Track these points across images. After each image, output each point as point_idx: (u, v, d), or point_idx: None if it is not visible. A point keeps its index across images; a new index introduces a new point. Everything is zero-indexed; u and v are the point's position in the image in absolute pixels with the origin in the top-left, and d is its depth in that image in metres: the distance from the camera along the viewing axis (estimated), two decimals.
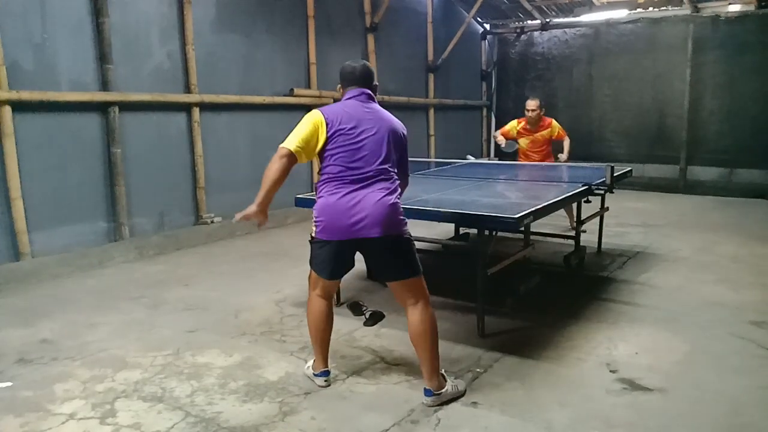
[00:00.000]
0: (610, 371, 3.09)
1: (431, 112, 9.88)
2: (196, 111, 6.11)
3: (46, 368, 3.20)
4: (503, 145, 6.35)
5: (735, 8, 9.08)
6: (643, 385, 2.93)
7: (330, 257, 2.76)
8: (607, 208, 5.63)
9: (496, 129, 11.57)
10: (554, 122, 6.28)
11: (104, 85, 5.30)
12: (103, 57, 5.26)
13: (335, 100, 7.91)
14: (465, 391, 2.85)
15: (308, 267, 2.96)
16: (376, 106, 2.85)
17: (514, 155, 6.71)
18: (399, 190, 2.79)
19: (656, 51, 9.48)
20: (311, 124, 2.71)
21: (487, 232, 3.57)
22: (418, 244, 4.76)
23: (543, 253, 5.47)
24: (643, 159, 9.60)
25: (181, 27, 5.94)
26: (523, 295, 4.15)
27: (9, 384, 3.01)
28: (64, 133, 5.10)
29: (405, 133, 2.89)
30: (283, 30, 7.08)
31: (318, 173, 2.79)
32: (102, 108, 5.31)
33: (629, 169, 5.60)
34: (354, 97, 2.83)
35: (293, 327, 3.76)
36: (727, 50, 8.89)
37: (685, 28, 9.17)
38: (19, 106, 4.71)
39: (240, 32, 6.56)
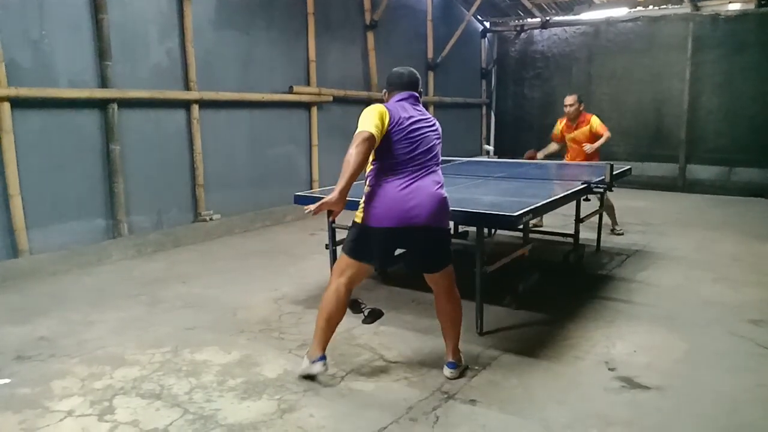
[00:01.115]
0: (609, 369, 3.09)
1: (430, 110, 9.86)
2: (195, 108, 6.10)
3: (44, 365, 3.19)
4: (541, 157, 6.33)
5: (735, 7, 9.09)
6: (641, 383, 2.94)
7: (377, 244, 2.85)
8: (611, 206, 5.63)
9: (496, 127, 11.65)
10: (594, 118, 6.08)
11: (103, 82, 5.29)
12: (102, 54, 5.25)
13: (334, 98, 7.97)
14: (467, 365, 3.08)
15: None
16: (423, 108, 3.01)
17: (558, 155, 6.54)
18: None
19: (656, 49, 9.48)
20: (378, 112, 2.80)
21: (486, 230, 3.57)
22: None
23: (542, 251, 5.48)
24: (642, 157, 9.60)
25: (181, 24, 5.92)
26: (522, 293, 4.15)
27: (7, 381, 3.01)
28: (62, 130, 5.09)
29: (440, 130, 3.03)
30: (283, 27, 7.07)
31: (371, 163, 2.88)
32: (101, 105, 5.31)
33: (628, 167, 5.60)
34: (405, 99, 2.95)
35: (291, 325, 3.76)
36: (726, 49, 8.89)
37: (685, 27, 9.17)
38: (17, 103, 4.70)
39: (239, 29, 6.55)
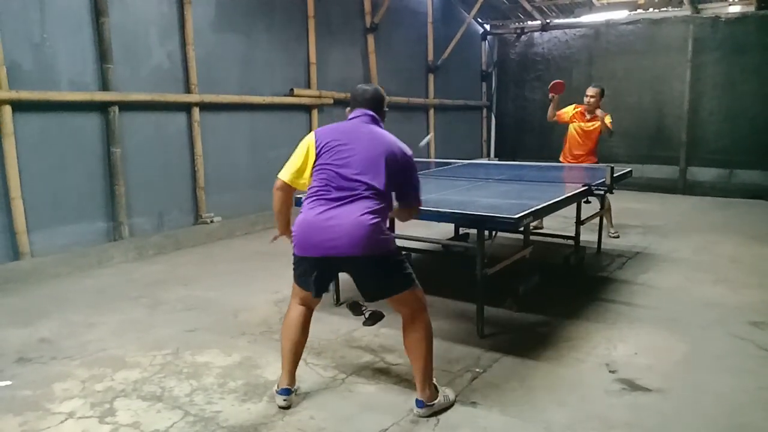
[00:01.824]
0: (610, 371, 3.09)
1: (431, 112, 9.89)
2: (195, 111, 6.11)
3: (45, 368, 3.20)
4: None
5: (735, 9, 9.10)
6: (642, 385, 2.93)
7: (308, 273, 2.67)
8: (609, 207, 5.63)
9: (496, 129, 11.65)
10: (607, 115, 6.02)
11: (104, 85, 5.30)
12: (102, 57, 5.26)
13: (335, 100, 7.98)
14: (455, 401, 2.78)
15: None
16: (378, 129, 2.77)
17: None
18: (385, 212, 2.65)
19: (656, 52, 9.48)
20: (304, 147, 2.73)
21: (486, 233, 3.57)
22: (417, 245, 4.81)
23: (542, 254, 5.47)
24: (643, 159, 9.60)
25: (181, 27, 5.94)
26: (523, 295, 4.15)
27: (8, 383, 3.01)
28: (63, 132, 5.10)
29: (407, 157, 2.74)
30: (283, 30, 7.08)
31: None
32: (102, 108, 5.31)
33: (629, 169, 5.61)
34: (356, 117, 2.80)
35: None
36: (726, 51, 8.90)
37: (685, 29, 9.18)
38: (18, 106, 4.71)
39: (240, 32, 6.57)
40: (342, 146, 2.65)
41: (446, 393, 2.78)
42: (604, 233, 5.78)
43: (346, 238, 2.51)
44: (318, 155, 2.67)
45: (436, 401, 2.69)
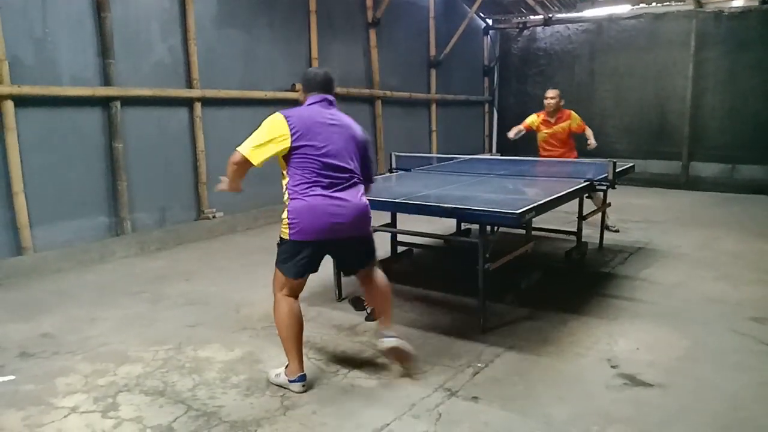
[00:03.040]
0: (611, 367, 3.09)
1: (433, 107, 9.87)
2: (197, 106, 6.11)
3: (47, 362, 3.21)
4: (512, 136, 6.25)
5: (738, 4, 9.05)
6: (643, 380, 2.94)
7: (304, 258, 2.77)
8: (609, 204, 5.63)
9: (499, 124, 11.63)
10: (573, 114, 6.17)
11: (106, 80, 5.30)
12: (104, 52, 5.26)
13: (337, 96, 7.91)
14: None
15: None
16: (338, 111, 2.93)
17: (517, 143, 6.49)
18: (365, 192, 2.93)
19: (658, 46, 9.45)
20: (275, 131, 2.73)
21: (488, 228, 3.57)
22: (419, 240, 4.81)
23: (544, 249, 5.47)
24: (645, 155, 9.58)
25: (183, 22, 5.93)
26: (525, 290, 4.15)
27: (11, 378, 3.03)
28: (65, 127, 5.10)
29: (366, 137, 2.98)
30: (285, 25, 7.06)
31: (285, 174, 2.81)
32: (103, 103, 5.32)
33: (631, 165, 5.59)
34: (317, 102, 2.89)
35: None
36: (729, 46, 8.86)
37: (688, 24, 9.14)
38: (20, 101, 4.72)
39: (241, 27, 6.55)
40: (318, 135, 2.75)
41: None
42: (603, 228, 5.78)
43: (352, 220, 2.76)
44: (298, 146, 2.72)
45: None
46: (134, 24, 5.53)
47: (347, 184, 2.79)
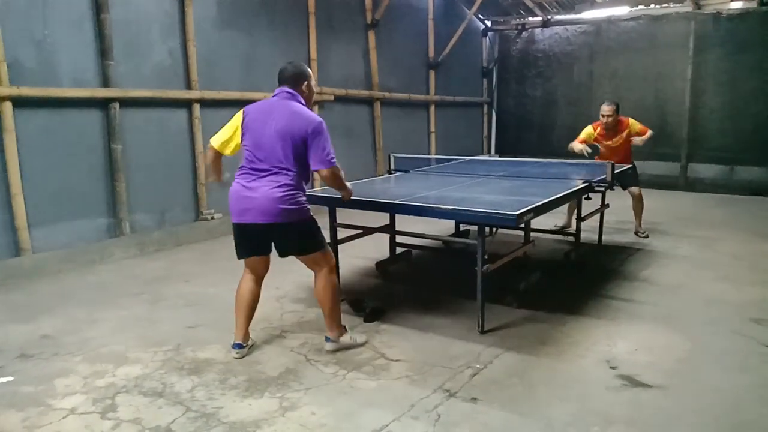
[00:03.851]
0: (610, 368, 3.09)
1: (432, 109, 9.88)
2: (196, 107, 6.11)
3: (47, 363, 3.20)
4: (584, 153, 5.84)
5: (736, 5, 9.07)
6: (642, 381, 2.94)
7: (236, 237, 3.16)
8: (608, 205, 5.63)
9: (497, 126, 11.64)
10: (632, 121, 5.90)
11: (105, 81, 5.30)
12: (104, 53, 5.26)
13: (336, 97, 7.98)
14: (365, 342, 3.36)
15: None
16: (291, 104, 3.08)
17: (594, 151, 6.11)
18: (295, 183, 3.02)
19: (657, 48, 9.46)
20: (234, 122, 3.15)
21: (487, 229, 3.57)
22: (417, 241, 4.82)
23: (543, 250, 5.47)
24: (644, 156, 9.54)
25: (182, 23, 5.93)
26: (523, 291, 4.15)
27: (10, 379, 3.02)
28: (64, 129, 5.10)
29: (312, 126, 2.98)
30: (284, 26, 7.07)
31: None
32: (103, 104, 5.32)
33: (630, 165, 5.60)
34: (276, 95, 3.15)
35: (293, 323, 3.77)
36: (728, 48, 8.87)
37: (687, 26, 9.16)
38: (20, 102, 4.72)
39: (241, 29, 6.56)
40: (257, 125, 3.04)
41: (354, 336, 3.36)
42: (610, 231, 5.78)
43: (258, 208, 2.97)
44: (243, 133, 3.09)
45: (342, 338, 3.29)
46: (134, 25, 5.53)
47: (270, 173, 2.99)
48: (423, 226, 4.75)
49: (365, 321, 3.75)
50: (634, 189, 5.84)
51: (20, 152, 4.73)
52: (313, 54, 7.42)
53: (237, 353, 3.23)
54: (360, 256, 5.18)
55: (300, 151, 3.00)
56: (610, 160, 5.89)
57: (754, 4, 8.82)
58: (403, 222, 4.68)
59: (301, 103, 3.13)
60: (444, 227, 5.82)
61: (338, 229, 4.15)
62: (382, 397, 2.80)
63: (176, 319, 3.85)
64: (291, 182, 3.00)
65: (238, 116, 3.14)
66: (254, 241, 3.14)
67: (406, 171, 5.50)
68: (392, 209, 4.11)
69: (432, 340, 3.46)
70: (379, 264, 4.80)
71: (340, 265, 4.18)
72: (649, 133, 5.91)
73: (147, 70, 5.69)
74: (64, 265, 5.00)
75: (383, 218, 4.67)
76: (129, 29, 5.49)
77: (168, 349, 3.37)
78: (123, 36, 5.42)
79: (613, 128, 5.86)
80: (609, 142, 5.93)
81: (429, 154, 9.41)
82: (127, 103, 5.47)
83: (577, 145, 5.90)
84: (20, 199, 4.74)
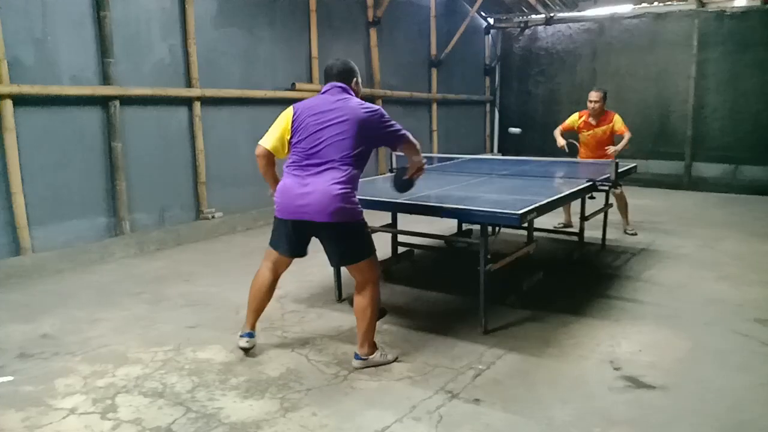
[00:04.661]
0: (613, 368, 3.07)
1: (434, 107, 9.85)
2: (197, 105, 6.09)
3: (47, 363, 3.19)
4: (562, 146, 5.97)
5: (740, 3, 9.03)
6: (645, 382, 2.92)
7: (283, 235, 3.06)
8: (611, 205, 5.61)
9: (500, 124, 11.60)
10: (617, 116, 5.97)
11: (105, 80, 5.28)
12: (104, 51, 5.25)
13: None
14: (395, 359, 3.16)
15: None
16: (346, 97, 3.01)
17: (573, 152, 6.18)
18: (351, 180, 2.91)
19: (660, 46, 9.43)
20: (283, 119, 3.04)
21: (490, 228, 3.55)
22: (419, 241, 4.80)
23: (546, 250, 5.45)
24: (647, 155, 9.55)
25: (183, 21, 5.91)
26: (526, 291, 4.13)
27: (10, 379, 3.01)
28: (65, 127, 5.08)
29: (374, 116, 2.96)
30: (285, 24, 7.05)
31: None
32: (103, 102, 5.30)
33: (633, 165, 5.58)
34: (327, 91, 3.05)
35: (294, 323, 3.75)
36: (732, 46, 8.84)
37: (690, 24, 9.12)
38: (20, 101, 4.70)
39: (241, 26, 6.54)
40: (313, 120, 2.94)
41: (385, 352, 3.16)
42: (614, 230, 5.76)
43: (315, 205, 2.84)
44: (294, 130, 2.98)
45: (371, 356, 3.09)
46: (134, 23, 5.52)
47: (329, 168, 2.87)
48: (425, 225, 4.73)
49: None
50: (616, 189, 5.74)
51: (20, 151, 4.72)
52: (314, 52, 7.39)
53: (247, 342, 3.21)
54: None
55: (365, 146, 2.94)
56: (589, 156, 6.00)
57: (757, 3, 8.78)
58: (404, 221, 4.66)
59: (351, 96, 3.06)
60: (446, 227, 5.80)
61: None
62: (384, 398, 2.78)
63: (177, 319, 3.84)
64: (348, 180, 2.89)
65: (288, 114, 3.02)
66: (302, 240, 3.06)
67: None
68: (394, 208, 4.09)
69: (434, 340, 3.44)
70: (381, 263, 4.77)
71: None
72: (628, 135, 5.91)
73: (147, 68, 5.67)
74: (64, 265, 4.98)
75: (385, 217, 4.65)
76: (129, 27, 5.47)
77: (168, 349, 3.35)
78: (123, 34, 5.40)
79: (598, 116, 5.93)
80: (591, 132, 5.98)
81: (431, 153, 9.38)
82: (127, 101, 5.45)
83: (559, 140, 6.02)
84: (20, 198, 4.72)
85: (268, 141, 3.03)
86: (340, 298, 4.13)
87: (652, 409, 2.67)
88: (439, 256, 5.39)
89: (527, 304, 3.98)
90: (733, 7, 8.96)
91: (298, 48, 7.23)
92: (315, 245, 3.11)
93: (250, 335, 3.23)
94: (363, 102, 3.02)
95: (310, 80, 7.40)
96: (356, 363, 3.08)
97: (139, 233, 5.64)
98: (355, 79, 3.12)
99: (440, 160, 6.64)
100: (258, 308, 3.25)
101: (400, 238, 5.00)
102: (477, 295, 3.52)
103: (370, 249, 3.04)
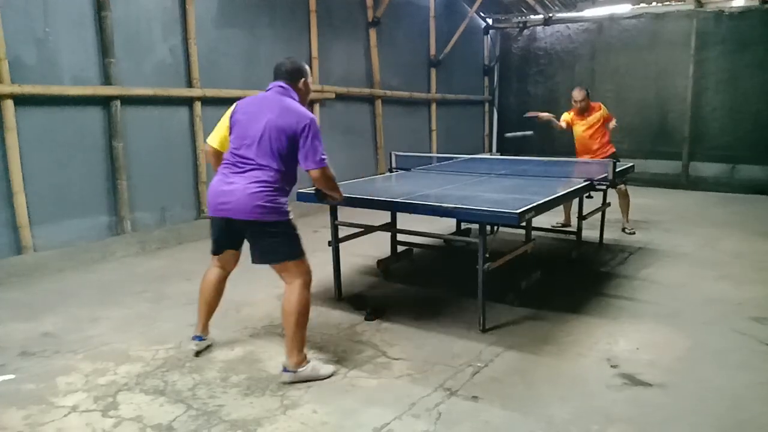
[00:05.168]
0: (611, 366, 3.09)
1: (433, 107, 9.87)
2: (198, 105, 6.11)
3: (48, 361, 3.21)
4: (540, 118, 6.29)
5: (738, 3, 9.04)
6: (643, 380, 2.94)
7: (215, 230, 3.12)
8: (609, 204, 5.63)
9: (499, 124, 11.62)
10: (603, 107, 6.21)
11: (106, 79, 5.30)
12: (105, 51, 5.27)
13: (337, 95, 7.97)
14: (329, 375, 2.97)
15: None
16: (283, 99, 2.95)
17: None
18: (277, 181, 2.87)
19: (659, 46, 9.44)
20: (225, 116, 3.11)
21: (488, 228, 3.56)
22: (419, 240, 4.81)
23: (544, 249, 5.47)
24: (646, 154, 9.57)
25: (184, 21, 5.93)
26: (525, 290, 4.15)
27: (12, 377, 3.03)
28: (66, 127, 5.10)
29: (302, 124, 2.84)
30: (285, 24, 7.07)
31: None
32: (104, 102, 5.32)
33: (631, 164, 5.60)
34: (270, 89, 3.03)
35: None
36: (730, 46, 8.85)
37: (689, 23, 9.14)
38: (21, 100, 4.72)
39: (242, 26, 6.56)
40: (246, 118, 2.95)
41: (317, 367, 2.97)
42: (612, 229, 5.78)
43: (235, 202, 2.85)
44: (231, 126, 3.03)
45: (301, 369, 2.91)
46: (135, 23, 5.53)
47: (246, 169, 2.88)
48: (424, 224, 4.74)
49: (366, 319, 3.75)
50: (621, 186, 5.85)
51: (22, 150, 4.74)
52: (315, 52, 7.41)
53: (196, 345, 3.23)
54: (361, 254, 5.18)
55: (288, 149, 2.85)
56: (589, 148, 6.10)
57: (756, 2, 8.79)
58: (404, 220, 4.68)
59: (295, 100, 2.98)
60: (445, 226, 5.81)
61: (339, 227, 4.15)
62: (384, 396, 2.80)
63: (178, 318, 3.85)
64: (271, 180, 2.84)
65: (229, 109, 3.09)
66: (230, 237, 3.09)
67: (407, 169, 5.49)
68: (393, 207, 4.11)
69: (433, 338, 3.46)
70: (381, 262, 4.80)
71: (341, 263, 4.19)
72: (614, 121, 6.23)
73: (148, 68, 5.69)
74: (65, 264, 5.00)
75: (384, 216, 4.67)
76: (130, 27, 5.49)
77: (170, 347, 3.37)
78: (124, 34, 5.42)
79: (584, 111, 6.16)
80: (584, 122, 6.16)
81: (430, 153, 9.40)
82: (128, 101, 5.47)
83: (543, 116, 6.31)
84: (22, 197, 4.75)
85: (214, 138, 3.17)
86: (340, 297, 4.15)
87: (651, 408, 2.69)
88: (438, 255, 5.41)
89: (525, 303, 3.99)
90: (732, 6, 8.98)
91: (298, 48, 7.25)
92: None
93: (200, 338, 3.25)
94: (299, 106, 2.93)
95: None
96: (285, 377, 2.90)
97: (140, 232, 5.66)
98: (303, 80, 3.07)
99: (439, 159, 6.66)
100: (207, 309, 3.25)
101: (400, 237, 5.02)
102: (476, 293, 3.54)
103: (297, 250, 2.94)
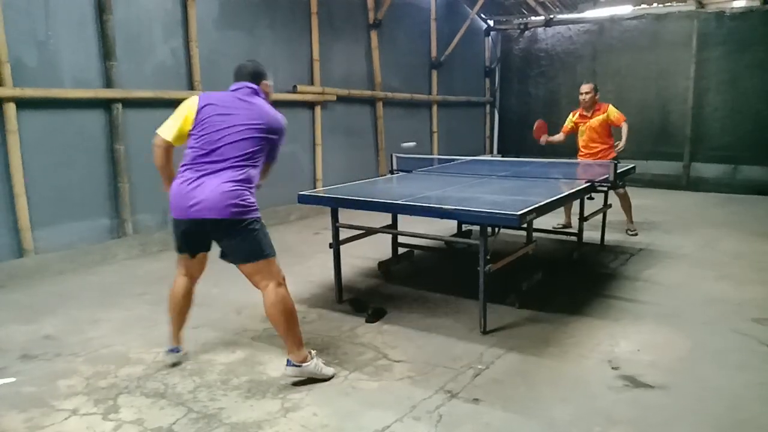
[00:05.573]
0: (612, 368, 3.08)
1: (434, 108, 9.87)
2: None
3: (49, 364, 3.21)
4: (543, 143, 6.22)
5: (740, 4, 9.04)
6: (644, 381, 2.93)
7: (181, 234, 3.00)
8: (610, 205, 5.62)
9: (500, 126, 11.62)
10: (611, 107, 6.04)
11: (108, 82, 5.31)
12: (106, 54, 5.27)
13: (338, 97, 7.98)
14: (331, 376, 2.98)
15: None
16: (256, 100, 2.95)
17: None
18: (248, 180, 2.85)
19: (660, 47, 9.44)
20: (186, 109, 2.90)
21: (489, 229, 3.56)
22: (419, 241, 4.81)
23: (545, 250, 5.47)
24: (647, 156, 9.56)
25: (185, 24, 5.94)
26: (526, 291, 4.15)
27: (12, 380, 3.03)
28: (67, 129, 5.11)
29: (279, 126, 2.96)
30: (286, 26, 7.07)
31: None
32: (105, 105, 5.33)
33: (632, 165, 5.59)
34: (237, 89, 2.98)
35: None
36: (731, 46, 8.85)
37: (690, 24, 9.14)
38: (23, 103, 4.73)
39: (243, 29, 6.56)
40: (218, 117, 2.85)
41: (320, 366, 2.97)
42: (613, 230, 5.77)
43: (207, 202, 2.77)
44: (196, 122, 2.86)
45: (306, 365, 2.90)
46: (136, 26, 5.54)
47: (225, 169, 2.80)
48: (425, 226, 4.75)
49: (367, 321, 3.75)
50: (620, 189, 5.81)
51: (23, 153, 4.74)
52: (316, 54, 7.42)
53: (175, 357, 3.15)
54: (362, 256, 5.18)
55: (262, 150, 2.91)
56: (590, 152, 6.05)
57: (757, 3, 8.79)
58: (405, 222, 4.68)
59: (264, 100, 3.02)
60: (446, 227, 5.81)
61: (340, 229, 4.15)
62: (384, 398, 2.80)
63: None
64: (245, 179, 2.83)
65: (192, 105, 2.89)
66: (198, 239, 3.00)
67: (408, 171, 5.50)
68: (394, 209, 4.11)
69: (434, 340, 3.46)
70: (381, 264, 4.80)
71: (342, 265, 4.19)
72: (625, 126, 5.97)
73: (149, 70, 5.69)
74: (66, 266, 5.01)
75: (385, 218, 4.67)
76: (131, 30, 5.50)
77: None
78: (125, 37, 5.43)
79: (591, 108, 6.05)
80: (587, 124, 6.06)
81: (431, 154, 9.40)
82: (129, 103, 5.48)
83: (548, 139, 6.21)
84: (23, 199, 4.75)
85: (169, 131, 2.90)
86: (340, 299, 4.15)
87: (652, 409, 2.68)
88: (439, 257, 5.41)
89: (527, 304, 3.99)
90: (733, 7, 8.97)
91: (299, 50, 7.26)
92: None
93: (175, 350, 3.17)
94: (274, 110, 2.98)
95: (311, 82, 7.42)
96: (289, 371, 2.90)
97: (141, 234, 5.66)
98: (264, 82, 3.07)
99: (440, 161, 6.65)
100: (178, 319, 3.18)
101: (401, 238, 5.02)
102: (477, 295, 3.54)
103: (268, 249, 2.91)
